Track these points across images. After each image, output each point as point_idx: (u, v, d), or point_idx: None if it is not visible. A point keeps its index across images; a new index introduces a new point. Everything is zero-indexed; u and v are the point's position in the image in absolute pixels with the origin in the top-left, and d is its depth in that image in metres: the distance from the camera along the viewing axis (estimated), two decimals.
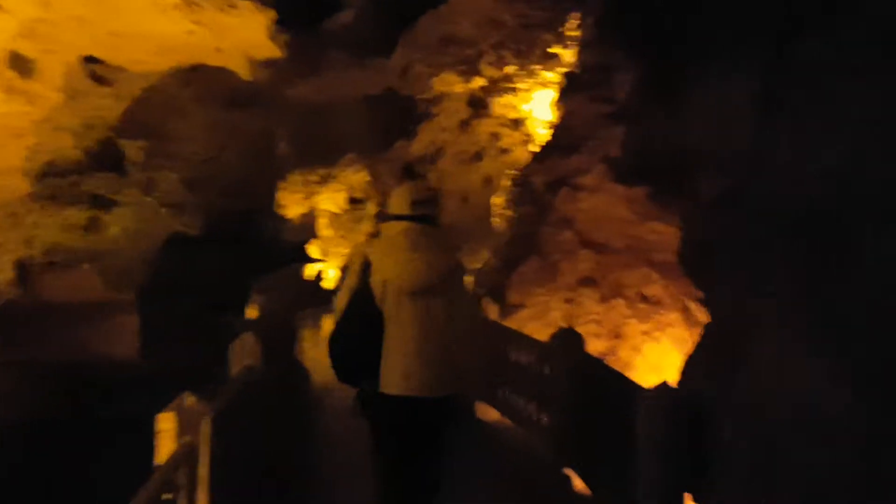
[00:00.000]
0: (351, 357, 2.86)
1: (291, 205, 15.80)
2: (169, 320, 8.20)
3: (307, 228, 15.95)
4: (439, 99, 10.76)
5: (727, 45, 3.47)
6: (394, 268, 2.83)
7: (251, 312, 6.08)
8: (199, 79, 14.48)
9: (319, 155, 13.95)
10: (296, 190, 15.54)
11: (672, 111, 4.76)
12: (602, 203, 7.10)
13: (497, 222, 8.11)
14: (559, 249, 6.95)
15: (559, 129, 7.42)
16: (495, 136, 10.95)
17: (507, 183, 8.11)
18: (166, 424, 2.12)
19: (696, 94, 4.09)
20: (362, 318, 2.82)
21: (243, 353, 3.40)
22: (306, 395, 5.64)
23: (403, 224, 2.90)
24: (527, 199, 7.31)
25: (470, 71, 9.22)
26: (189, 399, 2.22)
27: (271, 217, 13.96)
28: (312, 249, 15.89)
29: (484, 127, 10.81)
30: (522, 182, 7.67)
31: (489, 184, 11.49)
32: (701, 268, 3.46)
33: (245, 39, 11.07)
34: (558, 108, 7.68)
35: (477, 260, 10.37)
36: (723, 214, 2.94)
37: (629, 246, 7.10)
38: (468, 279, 3.92)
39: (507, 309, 6.94)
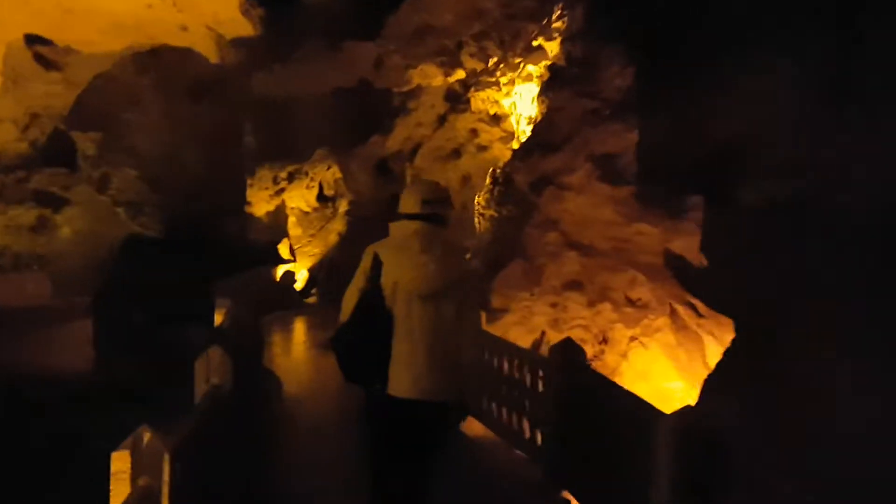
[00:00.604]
0: (358, 357, 2.87)
1: (259, 202, 15.44)
2: (125, 330, 7.64)
3: (276, 227, 15.59)
4: (416, 93, 10.53)
5: (769, 29, 3.23)
6: (406, 270, 2.83)
7: (217, 317, 5.77)
8: (158, 64, 13.67)
9: (288, 149, 13.62)
10: (264, 186, 15.20)
11: (692, 104, 4.55)
12: (588, 204, 6.92)
13: (479, 223, 7.88)
14: (544, 252, 6.78)
15: (543, 126, 7.24)
16: (474, 133, 10.77)
17: (488, 182, 7.88)
18: (120, 465, 1.85)
19: (731, 85, 3.87)
20: (370, 318, 2.83)
21: (209, 371, 3.12)
22: (279, 406, 5.36)
23: (415, 224, 2.89)
24: (510, 198, 7.12)
25: (450, 63, 8.97)
26: (146, 435, 1.95)
27: (238, 217, 13.06)
28: (283, 249, 15.53)
29: (462, 123, 10.61)
30: (505, 181, 7.46)
31: (468, 182, 11.33)
32: (722, 276, 3.27)
33: (213, 14, 10.33)
34: (542, 104, 7.48)
35: None
36: (773, 217, 2.73)
37: (615, 248, 6.96)
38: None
39: (491, 314, 6.73)
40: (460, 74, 9.45)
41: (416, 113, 10.87)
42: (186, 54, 13.16)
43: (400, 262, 2.84)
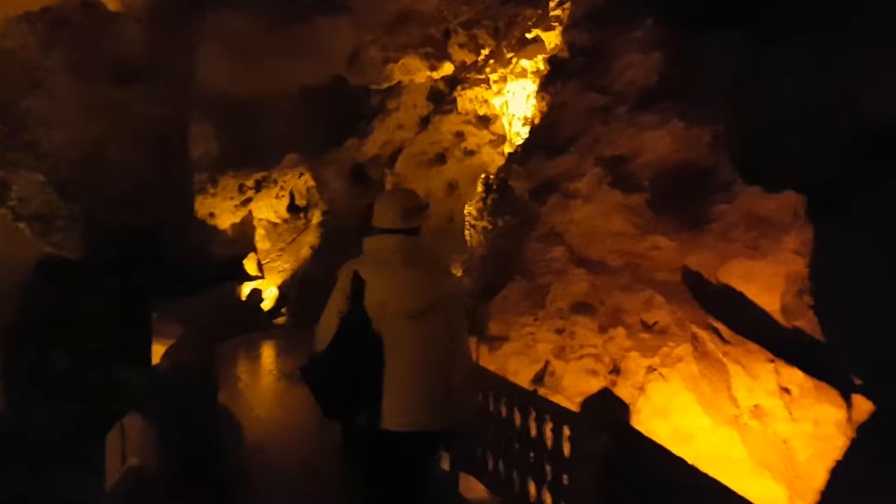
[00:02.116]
0: (342, 389, 2.72)
1: (223, 213, 14.72)
2: (41, 377, 6.26)
3: (242, 241, 14.86)
4: (396, 91, 9.87)
5: None
6: (394, 288, 2.74)
7: (159, 353, 4.96)
8: (67, 39, 11.16)
9: (255, 154, 12.76)
10: (228, 195, 14.50)
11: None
12: (597, 213, 6.32)
13: (470, 235, 7.19)
14: (548, 269, 6.19)
15: (544, 125, 6.59)
16: (460, 136, 10.14)
17: (479, 189, 7.20)
18: None
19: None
20: (354, 344, 2.70)
21: (125, 447, 2.32)
22: (233, 462, 4.53)
23: (396, 238, 2.81)
24: (507, 207, 6.48)
25: (436, 55, 8.26)
26: None
27: (186, 231, 11.67)
28: (249, 265, 14.78)
29: (448, 125, 9.99)
30: (500, 188, 6.79)
31: (454, 190, 10.72)
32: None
33: None
34: (541, 100, 6.82)
35: None
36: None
37: (629, 264, 6.38)
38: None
39: (487, 342, 6.05)
40: (448, 69, 8.76)
41: (397, 114, 10.22)
42: (103, 27, 11.05)
43: (386, 279, 2.74)
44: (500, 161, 9.69)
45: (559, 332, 6.19)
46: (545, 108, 6.85)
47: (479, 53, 8.34)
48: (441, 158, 10.43)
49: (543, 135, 6.66)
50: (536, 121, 7.03)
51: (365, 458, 2.77)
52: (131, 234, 6.26)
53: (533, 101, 8.15)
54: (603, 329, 6.23)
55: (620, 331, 6.24)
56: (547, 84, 6.82)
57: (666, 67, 6.28)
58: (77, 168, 10.49)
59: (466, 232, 7.46)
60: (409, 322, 2.72)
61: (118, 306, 4.39)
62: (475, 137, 9.91)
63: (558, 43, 7.00)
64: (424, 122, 10.25)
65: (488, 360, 6.03)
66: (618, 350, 6.28)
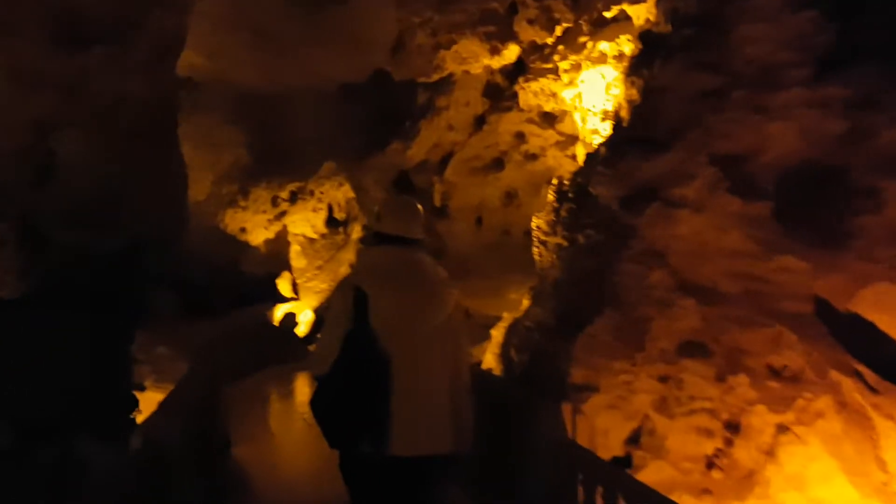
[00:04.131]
0: (349, 416, 2.65)
1: (256, 228, 14.23)
2: None
3: (276, 258, 14.26)
4: (447, 86, 8.94)
5: None
6: (404, 304, 2.73)
7: (154, 398, 3.97)
8: None
9: (290, 162, 12.16)
10: (261, 209, 13.96)
11: None
12: (710, 226, 5.31)
13: (539, 254, 6.16)
14: (647, 298, 5.26)
15: (636, 117, 5.59)
16: (521, 137, 9.17)
17: (550, 197, 6.18)
18: None
19: None
20: (360, 366, 2.63)
21: None
22: None
23: (409, 251, 2.84)
24: (590, 220, 5.55)
25: (499, 35, 7.21)
26: None
27: (170, 258, 9.90)
28: (283, 285, 14.13)
29: (506, 124, 9.07)
30: (579, 195, 5.77)
31: (511, 200, 9.76)
32: None
33: None
34: (631, 86, 5.78)
35: (503, 308, 8.35)
36: None
37: (749, 291, 5.23)
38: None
39: (569, 392, 5.00)
40: (511, 53, 7.74)
41: (447, 113, 9.38)
42: None
43: (395, 294, 2.73)
44: (569, 165, 8.63)
45: (662, 379, 5.21)
46: (636, 96, 5.79)
47: (552, 31, 7.28)
48: (498, 163, 9.59)
49: (636, 128, 5.67)
50: (623, 112, 5.96)
51: (371, 491, 2.71)
52: (101, 265, 4.90)
53: (615, 91, 7.09)
54: (721, 376, 5.24)
55: (742, 378, 5.29)
56: (639, 65, 5.79)
57: (799, 37, 5.21)
58: (8, 166, 7.16)
59: (534, 250, 6.42)
60: (420, 340, 2.71)
61: (82, 356, 3.47)
62: (538, 138, 8.94)
63: (651, 16, 5.89)
64: (479, 121, 9.39)
65: (572, 417, 4.92)
66: (739, 403, 5.33)
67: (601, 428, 5.14)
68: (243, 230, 14.06)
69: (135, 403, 3.78)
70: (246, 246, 14.12)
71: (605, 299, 5.14)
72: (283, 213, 13.66)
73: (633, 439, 5.31)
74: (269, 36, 8.75)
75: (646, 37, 5.90)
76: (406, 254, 2.83)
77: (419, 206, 2.98)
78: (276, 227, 13.96)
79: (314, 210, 13.27)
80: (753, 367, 5.09)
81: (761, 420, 5.05)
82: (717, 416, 5.17)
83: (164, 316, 9.07)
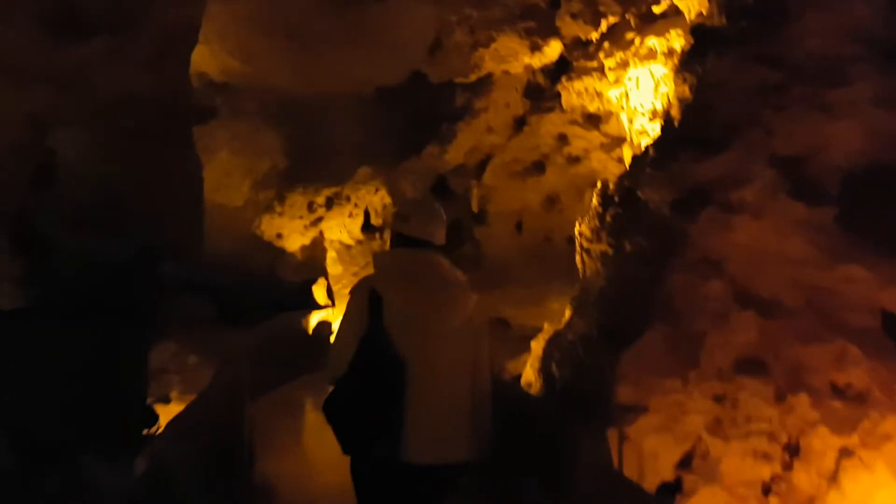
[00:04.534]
0: (361, 420, 2.63)
1: (292, 234, 14.17)
2: None
3: (312, 265, 14.18)
4: (485, 86, 8.71)
5: None
6: (420, 305, 2.73)
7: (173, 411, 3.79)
8: None
9: (325, 167, 12.04)
10: (297, 214, 13.90)
11: None
12: (770, 232, 5.01)
13: (582, 262, 5.88)
14: (702, 311, 4.85)
15: (689, 115, 5.29)
16: (563, 139, 8.87)
17: (595, 202, 5.89)
18: None
19: None
20: (373, 369, 2.61)
21: None
22: None
23: (432, 255, 2.84)
24: (638, 226, 5.25)
25: (541, 30, 6.95)
26: None
27: (194, 264, 9.56)
28: (319, 292, 14.03)
29: (547, 126, 8.80)
30: (626, 199, 5.48)
31: (553, 204, 9.47)
32: None
33: None
34: (682, 82, 5.48)
35: (544, 318, 8.04)
36: None
37: (813, 303, 4.91)
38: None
39: (614, 412, 4.70)
40: (553, 51, 7.47)
41: (486, 115, 9.15)
42: None
43: (410, 296, 2.72)
44: (615, 169, 8.32)
45: (718, 399, 4.88)
46: (687, 94, 5.49)
47: (597, 26, 6.98)
48: (539, 167, 9.32)
49: (689, 127, 5.37)
50: (674, 111, 5.65)
51: (383, 498, 2.68)
52: (107, 274, 4.64)
53: (664, 89, 6.75)
54: (780, 395, 4.90)
55: (803, 398, 4.94)
56: (691, 60, 5.49)
57: (864, 29, 4.87)
58: (2, 165, 6.45)
59: (577, 257, 6.13)
60: (439, 344, 2.70)
61: (91, 369, 3.31)
62: (582, 140, 8.65)
63: (703, 9, 5.57)
64: (519, 123, 9.13)
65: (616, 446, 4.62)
66: (799, 424, 4.99)
67: (650, 451, 4.83)
68: (279, 236, 14.03)
69: (154, 418, 3.61)
70: (282, 252, 14.07)
71: (654, 312, 4.82)
72: (319, 219, 13.56)
73: (685, 463, 4.99)
74: (303, 39, 8.64)
75: (698, 30, 5.58)
76: (423, 256, 2.82)
77: (442, 211, 2.98)
78: (313, 233, 13.88)
79: (350, 216, 13.06)
80: (815, 385, 4.73)
81: (823, 443, 4.68)
82: (776, 439, 4.82)
83: (197, 324, 9.00)
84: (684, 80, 5.54)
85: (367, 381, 2.60)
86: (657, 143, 5.57)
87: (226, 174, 12.54)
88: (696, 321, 4.79)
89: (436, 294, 2.75)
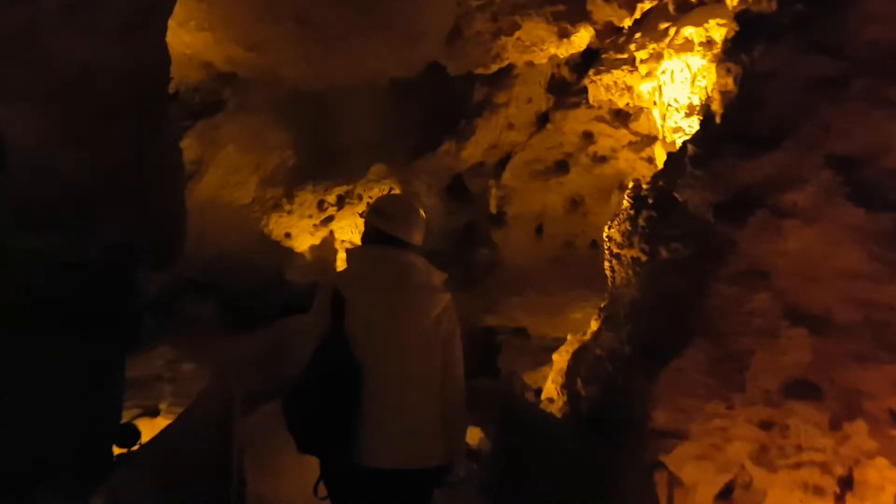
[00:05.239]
0: (317, 421, 2.67)
1: (301, 233, 13.96)
2: None
3: (322, 265, 13.96)
4: (506, 80, 8.39)
5: None
6: (381, 307, 2.73)
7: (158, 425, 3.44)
8: None
9: (336, 165, 11.80)
10: (306, 213, 13.68)
11: None
12: (823, 241, 4.62)
13: (611, 269, 5.53)
14: (748, 327, 4.43)
15: (734, 109, 4.91)
16: (588, 137, 8.53)
17: (625, 203, 5.54)
18: None
19: None
20: (332, 371, 2.64)
21: None
22: None
23: (394, 250, 2.83)
24: (676, 231, 4.94)
25: (570, 15, 6.60)
26: None
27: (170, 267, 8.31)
28: None
29: (572, 123, 8.48)
30: (661, 201, 5.12)
31: (577, 206, 9.14)
32: None
33: None
34: (725, 74, 5.10)
35: (565, 329, 7.70)
36: None
37: (869, 321, 4.49)
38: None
39: (649, 438, 4.36)
40: (582, 39, 7.13)
41: (506, 110, 8.85)
42: None
43: (372, 297, 2.74)
44: (644, 169, 7.96)
45: (764, 425, 4.54)
46: (731, 86, 5.12)
47: (632, 11, 6.62)
48: (562, 166, 9.02)
49: (733, 123, 5.00)
50: (715, 106, 5.28)
51: (352, 500, 2.68)
52: (68, 271, 4.13)
53: (702, 82, 6.38)
54: (835, 423, 4.54)
55: (859, 425, 4.60)
56: (736, 50, 5.11)
57: None
58: None
59: (606, 264, 5.79)
60: (400, 346, 2.70)
61: (54, 387, 2.97)
62: (609, 139, 8.31)
63: None
64: (542, 119, 8.82)
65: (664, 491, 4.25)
66: (854, 454, 4.66)
67: (688, 480, 4.47)
68: (288, 236, 13.82)
69: (135, 436, 3.29)
70: (290, 252, 13.88)
71: (695, 327, 4.45)
72: (329, 219, 13.34)
73: (725, 494, 4.63)
74: (314, 26, 8.34)
75: (743, 17, 5.19)
76: (397, 255, 2.83)
77: (421, 211, 3.02)
78: (323, 233, 13.66)
79: (362, 215, 13.05)
80: (873, 412, 4.35)
81: (881, 475, 4.32)
82: (829, 470, 4.46)
83: (197, 327, 8.73)
84: (728, 72, 5.15)
85: (322, 384, 2.61)
86: (697, 139, 5.19)
87: (232, 170, 12.32)
88: (742, 339, 4.41)
89: (399, 295, 2.76)
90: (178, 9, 7.45)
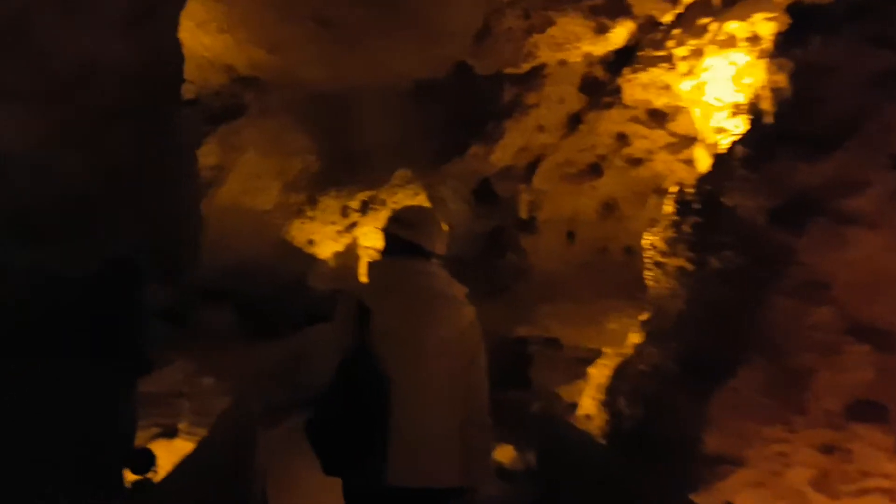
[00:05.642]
0: (342, 440, 2.58)
1: (324, 240, 13.84)
2: None
3: (345, 273, 13.83)
4: (537, 80, 8.14)
5: None
6: (407, 320, 2.69)
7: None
8: None
9: (359, 169, 11.55)
10: (329, 220, 13.54)
11: None
12: (889, 249, 4.33)
13: (653, 279, 5.27)
14: (808, 343, 4.25)
15: (789, 107, 4.60)
16: (622, 139, 8.25)
17: (670, 209, 5.27)
18: None
19: None
20: (357, 386, 2.56)
21: None
22: None
23: (416, 262, 2.82)
24: (726, 238, 4.65)
25: (608, 9, 6.35)
26: None
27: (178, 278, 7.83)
28: None
29: (606, 124, 8.19)
30: (710, 206, 4.85)
31: (611, 211, 8.85)
32: None
33: None
34: (777, 70, 4.82)
35: (600, 340, 7.47)
36: None
37: None
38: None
39: (701, 464, 4.10)
40: (618, 37, 6.88)
41: (537, 111, 8.58)
42: None
43: (397, 310, 2.71)
44: (683, 172, 7.66)
45: (826, 450, 4.28)
46: (783, 83, 4.84)
47: (676, 3, 6.36)
48: (595, 169, 8.66)
49: (786, 122, 4.71)
50: (764, 104, 5.00)
51: None
52: (67, 287, 3.78)
53: (748, 80, 6.09)
54: None
55: None
56: (788, 44, 4.84)
57: None
58: None
59: (647, 273, 5.52)
60: (427, 361, 2.65)
61: (57, 414, 2.76)
62: (645, 140, 8.00)
63: None
64: (574, 121, 8.51)
65: (704, 498, 3.98)
66: None
67: None
68: (311, 242, 13.71)
69: (149, 461, 3.10)
70: (313, 259, 13.75)
71: (750, 343, 4.19)
72: (353, 225, 13.21)
73: None
74: (335, 26, 8.20)
75: (796, 9, 4.92)
76: (418, 265, 2.78)
77: (441, 222, 3.03)
78: (346, 240, 13.53)
79: (383, 230, 12.89)
80: None
81: None
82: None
83: (217, 338, 8.58)
84: (780, 68, 4.87)
85: (350, 400, 2.55)
86: (747, 140, 4.91)
87: (254, 176, 12.23)
88: (802, 356, 4.14)
89: (425, 309, 2.71)
90: (196, 9, 7.33)
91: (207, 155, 11.44)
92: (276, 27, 8.36)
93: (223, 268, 11.18)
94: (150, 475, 3.21)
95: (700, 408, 4.11)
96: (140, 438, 5.20)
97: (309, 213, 13.26)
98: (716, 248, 4.68)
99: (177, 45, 4.68)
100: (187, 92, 11.08)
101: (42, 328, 2.74)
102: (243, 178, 12.20)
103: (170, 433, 5.62)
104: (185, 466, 2.84)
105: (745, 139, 4.99)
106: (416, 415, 2.62)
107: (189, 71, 10.18)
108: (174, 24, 4.78)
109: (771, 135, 4.68)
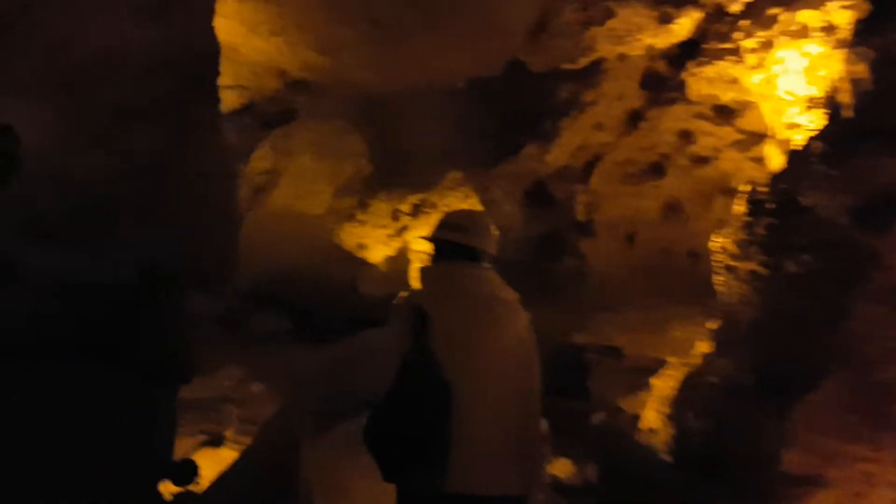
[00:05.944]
0: (403, 447, 2.60)
1: (375, 244, 13.91)
2: None
3: (397, 277, 13.86)
4: (595, 76, 7.98)
5: None
6: (472, 327, 2.71)
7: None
8: None
9: (410, 172, 11.61)
10: (380, 223, 13.61)
11: None
12: None
13: (723, 284, 5.05)
14: (895, 354, 3.86)
15: (868, 101, 4.42)
16: (686, 136, 8.02)
17: (741, 209, 5.05)
18: None
19: None
20: (417, 393, 2.57)
21: None
22: None
23: (471, 266, 2.84)
24: (804, 240, 4.37)
25: None
26: None
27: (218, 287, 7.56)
28: None
29: (669, 121, 8.01)
30: (786, 206, 4.62)
31: (674, 212, 8.61)
32: None
33: None
34: (856, 61, 4.59)
35: (664, 349, 7.23)
36: None
37: None
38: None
39: (779, 484, 3.89)
40: (683, 28, 6.64)
41: (594, 109, 8.45)
42: None
43: (460, 315, 2.71)
44: (752, 170, 7.39)
45: None
46: (864, 74, 4.61)
47: None
48: (657, 169, 8.53)
49: (869, 116, 4.49)
50: (843, 97, 4.76)
51: None
52: (96, 294, 3.50)
53: (822, 72, 5.82)
54: None
55: None
56: (869, 32, 4.58)
57: None
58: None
59: (717, 278, 5.30)
60: (485, 365, 2.67)
61: (87, 425, 2.70)
62: (710, 137, 7.79)
63: None
64: (634, 118, 8.37)
65: None
66: None
67: None
68: (361, 246, 13.79)
69: (192, 472, 3.05)
70: (363, 264, 13.82)
71: (831, 354, 3.95)
72: (404, 228, 13.25)
73: None
74: (387, 27, 8.17)
75: None
76: (472, 270, 2.83)
77: (493, 225, 3.03)
78: (397, 244, 13.57)
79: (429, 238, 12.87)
80: None
81: None
82: None
83: (266, 344, 8.64)
84: (860, 58, 4.62)
85: (410, 406, 2.56)
86: (825, 135, 4.67)
87: (307, 180, 12.36)
88: (889, 368, 3.88)
89: (483, 314, 2.74)
90: (247, 12, 7.36)
91: (261, 160, 11.60)
92: (327, 28, 8.39)
93: (273, 273, 11.30)
94: (192, 487, 3.18)
95: (778, 424, 3.90)
96: (186, 446, 5.22)
97: (359, 217, 13.36)
98: (792, 250, 4.45)
99: (211, 36, 4.36)
100: (241, 97, 11.27)
101: (71, 336, 2.70)
102: (296, 182, 12.33)
103: (216, 441, 5.66)
104: (228, 476, 2.80)
105: (823, 134, 4.74)
106: (478, 421, 2.63)
107: (242, 75, 10.36)
108: (208, 12, 4.41)
109: (851, 129, 4.44)
